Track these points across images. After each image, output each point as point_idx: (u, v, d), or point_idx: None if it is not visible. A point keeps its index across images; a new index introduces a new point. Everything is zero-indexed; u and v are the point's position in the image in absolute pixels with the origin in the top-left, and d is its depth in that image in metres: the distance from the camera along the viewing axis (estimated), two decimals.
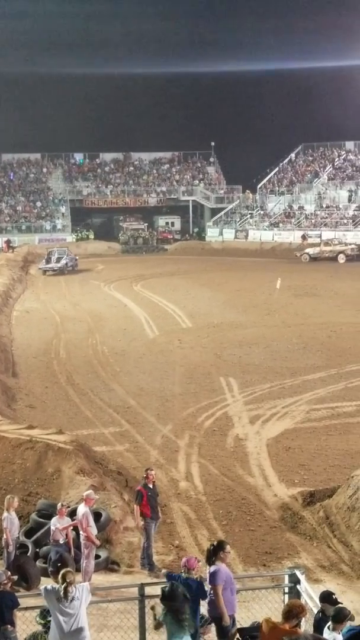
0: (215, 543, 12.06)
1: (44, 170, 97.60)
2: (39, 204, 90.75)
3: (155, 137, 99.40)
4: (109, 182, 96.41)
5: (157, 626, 10.84)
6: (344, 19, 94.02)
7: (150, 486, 16.50)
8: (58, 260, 66.79)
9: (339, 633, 9.69)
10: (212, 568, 11.56)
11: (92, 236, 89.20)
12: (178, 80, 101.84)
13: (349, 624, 9.68)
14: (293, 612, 9.88)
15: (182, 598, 10.87)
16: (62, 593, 10.58)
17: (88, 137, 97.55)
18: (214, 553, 11.67)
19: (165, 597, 10.85)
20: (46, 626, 11.01)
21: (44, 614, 11.08)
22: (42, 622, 11.03)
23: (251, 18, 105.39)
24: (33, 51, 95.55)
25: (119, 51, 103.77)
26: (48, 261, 66.94)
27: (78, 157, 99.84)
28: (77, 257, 69.88)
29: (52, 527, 15.61)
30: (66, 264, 66.78)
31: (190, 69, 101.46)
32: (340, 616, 9.93)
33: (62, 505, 15.87)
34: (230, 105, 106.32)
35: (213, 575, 11.52)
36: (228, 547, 11.88)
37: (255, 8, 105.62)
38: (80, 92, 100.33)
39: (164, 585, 11.07)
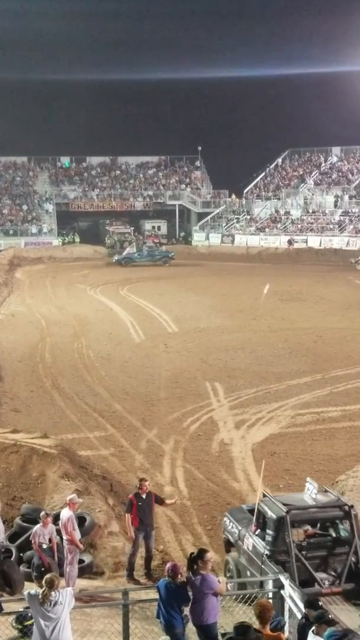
0: (195, 551, 12.03)
1: (31, 173, 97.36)
2: (25, 207, 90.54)
3: (142, 141, 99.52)
4: (95, 186, 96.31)
5: None
6: (331, 26, 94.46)
7: (143, 496, 16.22)
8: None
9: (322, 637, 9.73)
10: (198, 577, 11.53)
11: (78, 240, 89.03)
12: (165, 85, 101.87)
13: (330, 629, 9.71)
14: (265, 613, 9.98)
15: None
16: (42, 597, 10.57)
17: (75, 141, 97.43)
18: (195, 562, 11.65)
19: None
20: (22, 631, 10.98)
21: (20, 619, 11.05)
22: (19, 627, 11.00)
23: (238, 25, 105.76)
24: (20, 55, 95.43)
25: (105, 56, 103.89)
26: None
27: (64, 160, 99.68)
28: (166, 252, 76.70)
29: (32, 538, 15.46)
30: (129, 258, 73.71)
31: (178, 75, 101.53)
32: (323, 620, 9.97)
33: (46, 514, 15.63)
34: (217, 110, 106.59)
35: (203, 583, 11.49)
36: (208, 556, 11.77)
37: (242, 15, 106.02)
38: (66, 96, 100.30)
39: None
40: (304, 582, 13.39)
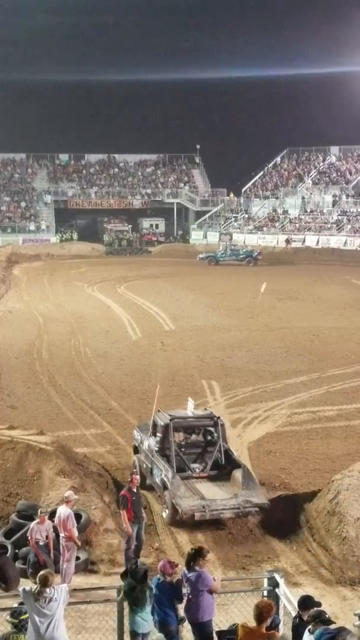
0: (196, 548, 12.08)
1: (29, 170, 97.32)
2: (23, 204, 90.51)
3: (140, 139, 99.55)
4: (93, 184, 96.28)
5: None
6: (330, 26, 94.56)
7: (134, 490, 16.65)
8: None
9: (311, 632, 9.74)
10: (193, 573, 11.56)
11: (76, 237, 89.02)
12: (165, 84, 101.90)
13: (321, 628, 9.71)
14: (264, 614, 9.98)
15: (141, 576, 11.66)
16: (36, 594, 10.60)
17: (73, 138, 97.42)
18: (193, 559, 11.69)
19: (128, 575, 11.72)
20: (18, 626, 11.01)
21: (15, 614, 11.08)
22: (15, 621, 11.01)
23: (237, 24, 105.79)
24: (18, 53, 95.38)
25: (104, 55, 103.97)
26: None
27: (63, 157, 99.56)
28: (251, 251, 74.39)
29: (29, 535, 15.46)
30: (213, 257, 72.90)
31: (177, 75, 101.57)
32: (320, 620, 9.98)
33: (42, 512, 15.62)
34: (216, 110, 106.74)
35: (198, 580, 11.53)
36: (209, 556, 11.92)
37: (241, 15, 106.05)
38: (66, 94, 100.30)
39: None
40: (181, 469, 19.16)
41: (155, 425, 20.19)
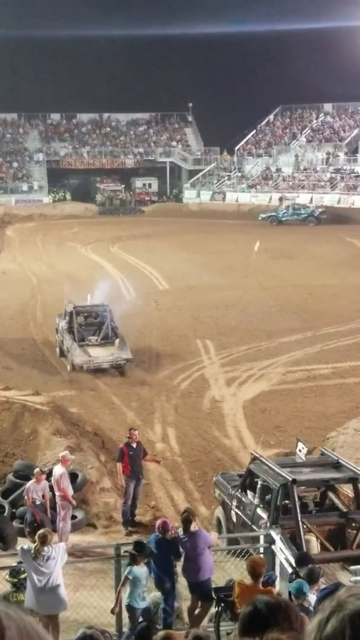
0: (188, 511, 12.19)
1: (20, 130, 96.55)
2: (15, 164, 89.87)
3: (132, 97, 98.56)
4: (85, 143, 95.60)
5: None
6: None
7: (133, 445, 16.68)
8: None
9: (314, 594, 9.81)
10: (189, 534, 11.65)
11: (69, 197, 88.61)
12: (156, 41, 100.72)
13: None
14: (257, 570, 10.08)
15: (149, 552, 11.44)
16: (34, 552, 10.69)
17: (65, 97, 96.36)
18: (187, 521, 11.80)
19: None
20: (16, 585, 11.10)
21: (14, 573, 11.17)
22: (15, 580, 11.11)
23: None
24: (7, 10, 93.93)
25: (94, 11, 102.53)
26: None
27: (54, 117, 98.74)
28: (313, 209, 72.02)
29: (25, 494, 15.57)
30: (275, 216, 70.83)
31: (168, 30, 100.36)
32: (313, 576, 10.05)
33: (41, 471, 15.75)
34: (209, 67, 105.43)
35: (200, 537, 11.64)
36: (202, 514, 12.08)
37: None
38: (56, 52, 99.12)
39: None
40: (82, 340, 27.73)
41: (65, 312, 29.14)
